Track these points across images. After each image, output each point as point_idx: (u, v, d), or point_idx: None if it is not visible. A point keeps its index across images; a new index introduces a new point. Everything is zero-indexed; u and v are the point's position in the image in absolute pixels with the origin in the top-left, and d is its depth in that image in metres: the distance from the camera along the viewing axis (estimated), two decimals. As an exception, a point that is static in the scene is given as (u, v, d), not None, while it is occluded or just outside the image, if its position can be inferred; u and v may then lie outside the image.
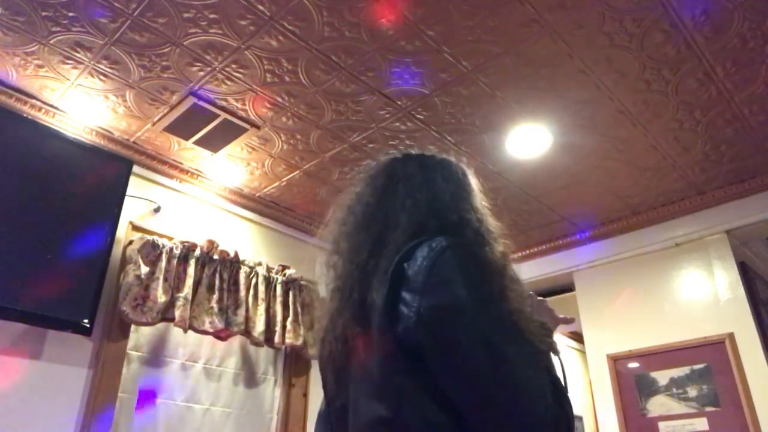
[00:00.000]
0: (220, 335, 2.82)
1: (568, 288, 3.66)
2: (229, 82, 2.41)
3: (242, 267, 2.97)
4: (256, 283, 2.99)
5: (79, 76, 2.38)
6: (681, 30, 2.12)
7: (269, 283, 3.06)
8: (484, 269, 0.89)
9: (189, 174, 3.03)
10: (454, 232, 0.94)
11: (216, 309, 2.75)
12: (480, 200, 1.07)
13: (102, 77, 2.39)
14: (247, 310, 2.88)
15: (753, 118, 2.60)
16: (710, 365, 2.94)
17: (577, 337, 4.94)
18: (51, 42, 2.20)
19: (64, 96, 2.50)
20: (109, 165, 2.62)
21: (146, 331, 2.68)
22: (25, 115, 2.49)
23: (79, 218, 2.44)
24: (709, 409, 2.89)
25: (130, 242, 2.64)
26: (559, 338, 5.24)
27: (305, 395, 3.16)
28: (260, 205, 3.33)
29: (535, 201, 3.29)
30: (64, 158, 2.48)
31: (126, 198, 2.60)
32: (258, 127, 2.69)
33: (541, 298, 1.00)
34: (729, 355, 2.88)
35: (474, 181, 1.11)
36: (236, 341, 3.01)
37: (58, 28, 2.13)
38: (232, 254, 2.92)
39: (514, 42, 2.18)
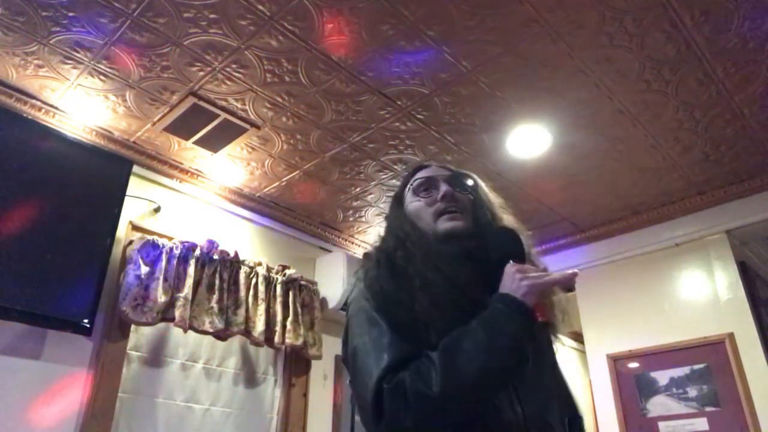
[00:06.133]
0: (220, 335, 2.81)
1: (568, 288, 3.66)
2: (229, 82, 2.41)
3: (242, 267, 2.97)
4: (256, 283, 2.99)
5: (79, 76, 2.38)
6: (681, 30, 2.12)
7: (269, 283, 3.06)
8: (364, 288, 1.09)
9: (189, 174, 3.03)
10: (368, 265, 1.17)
11: (216, 309, 2.75)
12: (401, 219, 1.21)
13: (102, 77, 2.39)
14: (247, 310, 2.88)
15: (753, 118, 2.60)
16: (710, 365, 2.94)
17: (577, 337, 4.94)
18: (51, 42, 2.20)
19: (64, 96, 2.50)
20: (109, 165, 2.61)
21: (146, 331, 2.68)
22: (25, 115, 2.49)
23: (79, 218, 2.44)
24: (709, 409, 2.89)
25: (130, 242, 2.64)
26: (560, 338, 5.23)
27: (305, 395, 3.16)
28: (260, 205, 3.32)
29: (535, 201, 3.29)
30: (64, 158, 2.48)
31: (126, 198, 2.60)
32: (258, 127, 2.69)
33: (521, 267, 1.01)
34: (729, 355, 2.88)
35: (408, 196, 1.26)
36: (236, 341, 3.01)
37: (58, 28, 2.13)
38: (232, 254, 2.92)
39: (514, 42, 2.18)
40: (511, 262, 1.01)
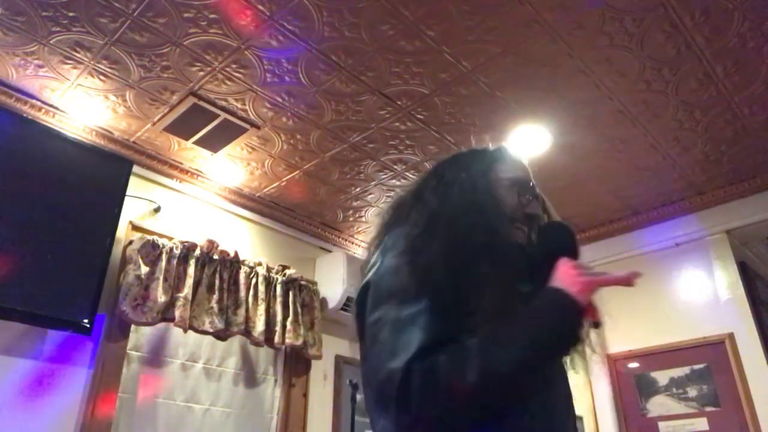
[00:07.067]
0: (220, 335, 2.81)
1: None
2: (229, 82, 2.41)
3: (242, 267, 2.97)
4: (256, 283, 2.99)
5: (79, 76, 2.38)
6: (681, 30, 2.12)
7: (269, 283, 3.06)
8: (408, 245, 0.96)
9: (189, 174, 3.03)
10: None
11: (216, 309, 2.75)
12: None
13: (102, 77, 2.39)
14: (247, 310, 2.88)
15: (753, 118, 2.60)
16: (710, 365, 2.94)
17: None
18: (51, 42, 2.20)
19: (64, 96, 2.50)
20: (109, 165, 2.61)
21: (146, 331, 2.68)
22: (25, 115, 2.49)
23: (79, 218, 2.44)
24: (709, 409, 2.89)
25: (130, 242, 2.64)
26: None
27: (305, 395, 3.16)
28: (260, 205, 3.33)
29: (535, 201, 3.29)
30: (64, 158, 2.48)
31: (126, 198, 2.60)
32: (258, 127, 2.69)
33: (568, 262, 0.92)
34: (729, 355, 2.88)
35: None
36: (236, 341, 3.01)
37: (58, 28, 2.13)
38: (232, 254, 2.92)
39: (514, 42, 2.18)
40: (564, 258, 0.95)
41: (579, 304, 0.88)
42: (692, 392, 2.96)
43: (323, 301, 3.33)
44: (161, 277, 2.58)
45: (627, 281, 0.92)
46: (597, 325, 0.90)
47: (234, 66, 2.32)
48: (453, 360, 0.80)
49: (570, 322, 0.88)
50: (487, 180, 1.08)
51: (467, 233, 0.96)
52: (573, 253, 0.98)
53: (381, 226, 1.11)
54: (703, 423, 2.88)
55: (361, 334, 0.99)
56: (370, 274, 0.98)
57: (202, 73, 2.36)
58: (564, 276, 0.91)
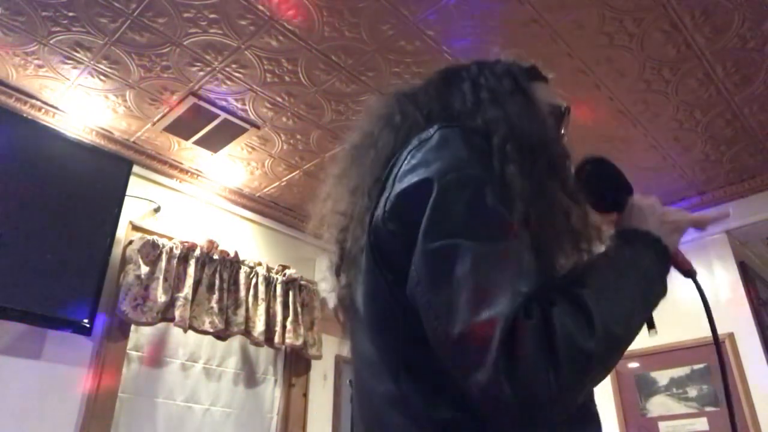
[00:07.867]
0: (220, 335, 2.81)
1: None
2: (229, 82, 2.41)
3: (242, 267, 2.97)
4: (256, 283, 2.99)
5: (79, 76, 2.38)
6: (681, 30, 2.12)
7: (269, 283, 3.06)
8: (481, 146, 0.71)
9: (189, 174, 3.03)
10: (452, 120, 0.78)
11: (216, 309, 2.75)
12: None
13: (102, 77, 2.39)
14: (247, 310, 2.88)
15: (753, 118, 2.60)
16: (710, 365, 2.94)
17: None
18: (51, 42, 2.20)
19: (64, 96, 2.50)
20: (109, 165, 2.62)
21: (146, 331, 2.68)
22: (25, 115, 2.49)
23: (79, 218, 2.44)
24: (709, 409, 2.89)
25: (130, 242, 2.64)
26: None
27: (305, 395, 3.16)
28: (260, 205, 3.33)
29: (535, 201, 3.29)
30: (64, 158, 2.48)
31: (126, 198, 2.60)
32: (258, 127, 2.69)
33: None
34: (729, 355, 2.88)
35: None
36: (236, 341, 3.01)
37: (58, 28, 2.13)
38: (232, 254, 2.92)
39: (514, 42, 2.18)
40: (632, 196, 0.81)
41: (670, 251, 0.72)
42: (692, 392, 2.96)
43: (323, 301, 3.33)
44: (161, 277, 2.58)
45: (722, 218, 0.81)
46: (690, 274, 0.74)
47: (234, 66, 2.32)
48: (570, 315, 0.59)
49: (666, 273, 0.72)
50: (536, 101, 0.89)
51: (553, 160, 0.77)
52: (630, 191, 0.82)
53: (379, 126, 0.86)
54: (703, 423, 2.88)
55: (383, 255, 0.72)
56: (406, 176, 0.70)
57: (202, 73, 2.36)
58: (648, 216, 0.74)
